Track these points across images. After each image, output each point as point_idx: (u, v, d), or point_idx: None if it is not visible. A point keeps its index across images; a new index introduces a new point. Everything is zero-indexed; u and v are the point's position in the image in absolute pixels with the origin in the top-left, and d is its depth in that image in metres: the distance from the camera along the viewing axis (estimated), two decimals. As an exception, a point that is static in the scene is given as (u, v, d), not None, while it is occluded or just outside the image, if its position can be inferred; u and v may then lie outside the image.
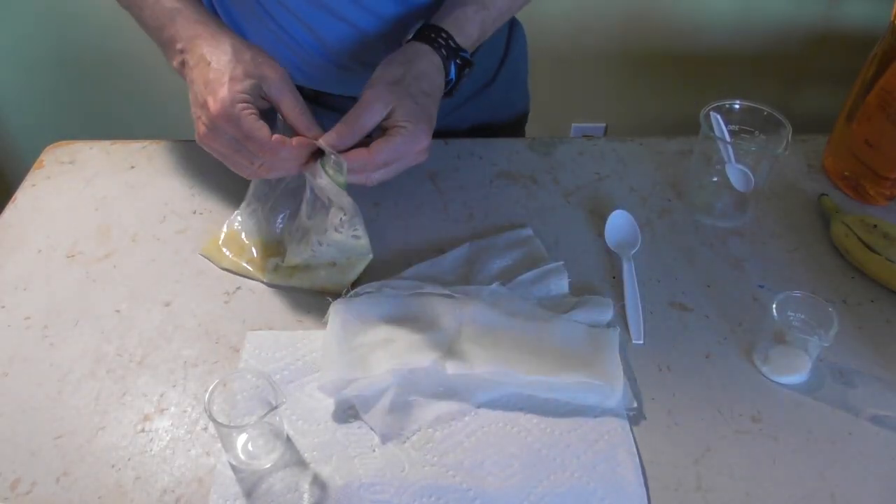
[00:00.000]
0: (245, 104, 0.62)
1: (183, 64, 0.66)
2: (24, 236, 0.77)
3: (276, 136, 0.62)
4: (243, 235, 0.75)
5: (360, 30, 0.78)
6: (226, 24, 0.67)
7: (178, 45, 0.66)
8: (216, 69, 0.63)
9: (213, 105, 0.61)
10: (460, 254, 0.74)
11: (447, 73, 0.70)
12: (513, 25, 0.95)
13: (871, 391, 0.63)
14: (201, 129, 0.63)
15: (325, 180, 0.65)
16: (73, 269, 0.73)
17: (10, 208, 0.80)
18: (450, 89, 0.71)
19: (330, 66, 0.82)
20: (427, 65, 0.68)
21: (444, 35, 0.70)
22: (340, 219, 0.67)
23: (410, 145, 0.64)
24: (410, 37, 0.71)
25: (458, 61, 0.70)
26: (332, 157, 0.63)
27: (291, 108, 0.64)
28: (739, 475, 0.57)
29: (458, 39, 0.70)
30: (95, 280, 0.72)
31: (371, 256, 0.71)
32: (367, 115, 0.64)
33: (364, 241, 0.70)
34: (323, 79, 0.84)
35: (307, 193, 0.70)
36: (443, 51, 0.69)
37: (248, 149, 0.62)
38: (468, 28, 0.71)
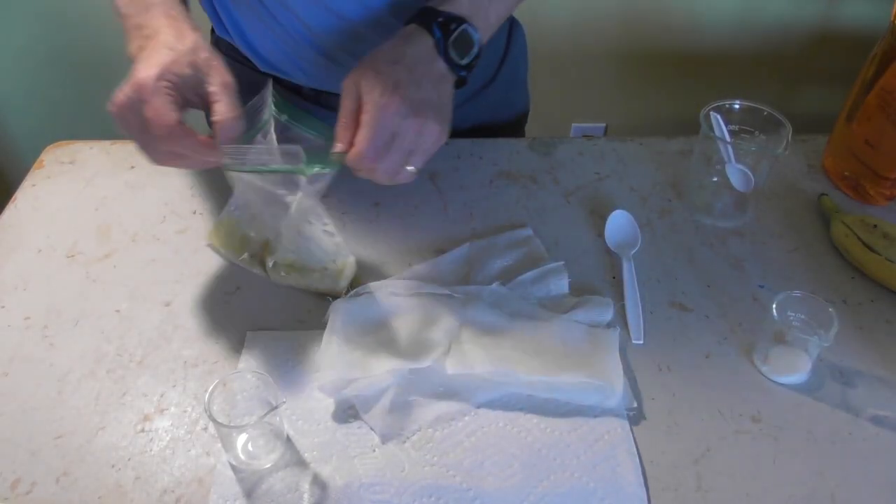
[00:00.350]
0: (169, 85, 0.59)
1: (141, 49, 0.62)
2: (24, 236, 0.77)
3: (182, 126, 0.59)
4: (239, 227, 0.74)
5: (349, 21, 0.77)
6: (197, 26, 0.65)
7: (146, 32, 0.64)
8: (165, 51, 0.60)
9: (140, 73, 0.58)
10: (460, 254, 0.74)
11: (432, 35, 0.65)
12: (512, 25, 0.95)
13: (871, 391, 0.63)
14: (119, 97, 0.59)
15: (265, 180, 0.64)
16: (73, 269, 0.73)
17: (10, 208, 0.80)
18: (446, 51, 0.66)
19: (325, 62, 0.82)
20: (396, 38, 0.66)
21: (423, 9, 0.68)
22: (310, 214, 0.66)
23: (378, 116, 0.60)
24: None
25: (440, 20, 0.66)
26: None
27: (222, 113, 0.61)
28: (739, 475, 0.57)
29: (440, 8, 0.67)
30: (95, 280, 0.72)
31: (352, 258, 0.71)
32: (347, 100, 0.62)
33: (338, 239, 0.69)
34: (320, 75, 0.84)
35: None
36: (419, 18, 0.66)
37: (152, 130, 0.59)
38: None
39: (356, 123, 0.62)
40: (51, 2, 1.65)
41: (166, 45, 0.61)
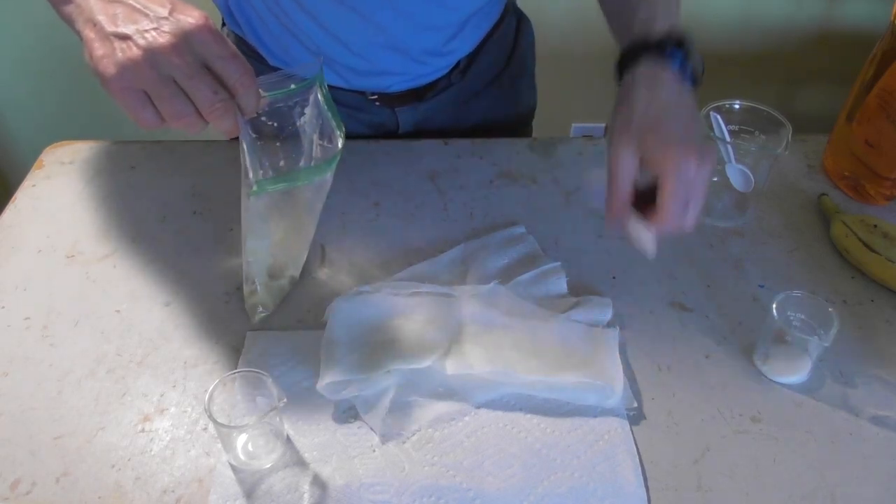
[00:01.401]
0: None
1: None
2: (24, 236, 0.77)
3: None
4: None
5: (365, 17, 0.77)
6: None
7: None
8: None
9: (192, 13, 0.52)
10: (456, 254, 0.74)
11: (673, 63, 0.62)
12: (520, 19, 0.95)
13: (871, 391, 0.63)
14: (163, 40, 0.51)
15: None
16: (73, 269, 0.73)
17: (10, 208, 0.80)
18: (691, 70, 0.63)
19: (342, 61, 0.81)
20: (641, 84, 0.62)
21: (637, 47, 0.64)
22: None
23: (671, 168, 0.57)
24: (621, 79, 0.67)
25: (676, 46, 0.62)
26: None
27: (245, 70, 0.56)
28: (739, 475, 0.57)
29: (654, 35, 0.63)
30: (95, 280, 0.72)
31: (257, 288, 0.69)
32: (624, 171, 0.60)
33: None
34: (334, 74, 0.84)
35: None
36: (648, 55, 0.63)
37: (226, 70, 0.53)
38: (654, 18, 0.64)
39: (624, 184, 0.60)
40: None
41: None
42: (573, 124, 1.91)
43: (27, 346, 0.66)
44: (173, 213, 0.79)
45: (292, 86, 0.61)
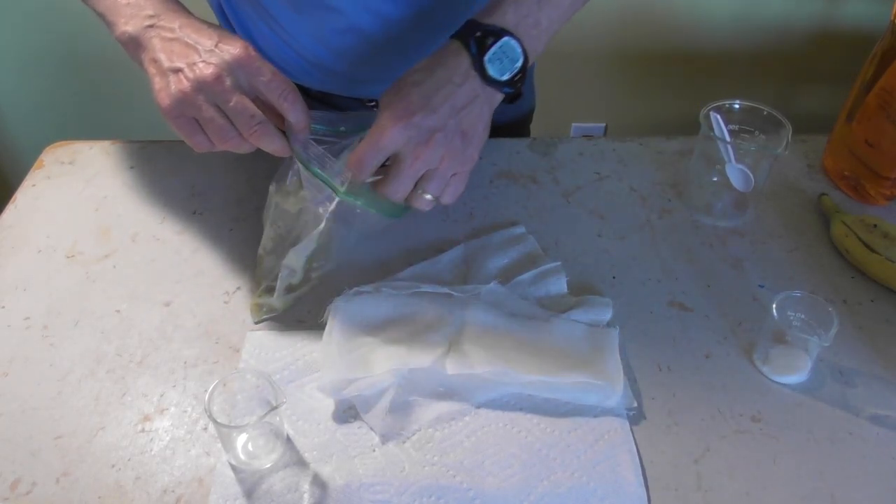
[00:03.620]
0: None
1: (151, 27, 0.60)
2: (24, 236, 0.77)
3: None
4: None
5: (361, 31, 0.77)
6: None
7: (148, 11, 0.61)
8: (215, 26, 0.60)
9: (235, 43, 0.58)
10: (456, 254, 0.74)
11: (469, 52, 0.61)
12: None
13: (871, 391, 0.63)
14: (208, 71, 0.57)
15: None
16: (73, 269, 0.73)
17: (10, 208, 0.80)
18: (482, 68, 0.61)
19: (335, 69, 0.81)
20: (433, 55, 0.62)
21: (467, 22, 0.64)
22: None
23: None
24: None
25: (478, 34, 0.61)
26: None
27: (298, 120, 0.62)
28: (739, 475, 0.57)
29: (483, 20, 0.62)
30: (95, 280, 0.72)
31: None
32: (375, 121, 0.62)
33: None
34: (326, 79, 0.84)
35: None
36: (460, 33, 0.62)
37: (269, 89, 0.59)
38: (496, 6, 0.63)
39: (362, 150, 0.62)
40: (51, 2, 1.65)
41: (201, 22, 0.61)
42: (573, 124, 1.91)
43: (27, 346, 0.66)
44: (173, 213, 0.79)
45: (342, 128, 0.67)
